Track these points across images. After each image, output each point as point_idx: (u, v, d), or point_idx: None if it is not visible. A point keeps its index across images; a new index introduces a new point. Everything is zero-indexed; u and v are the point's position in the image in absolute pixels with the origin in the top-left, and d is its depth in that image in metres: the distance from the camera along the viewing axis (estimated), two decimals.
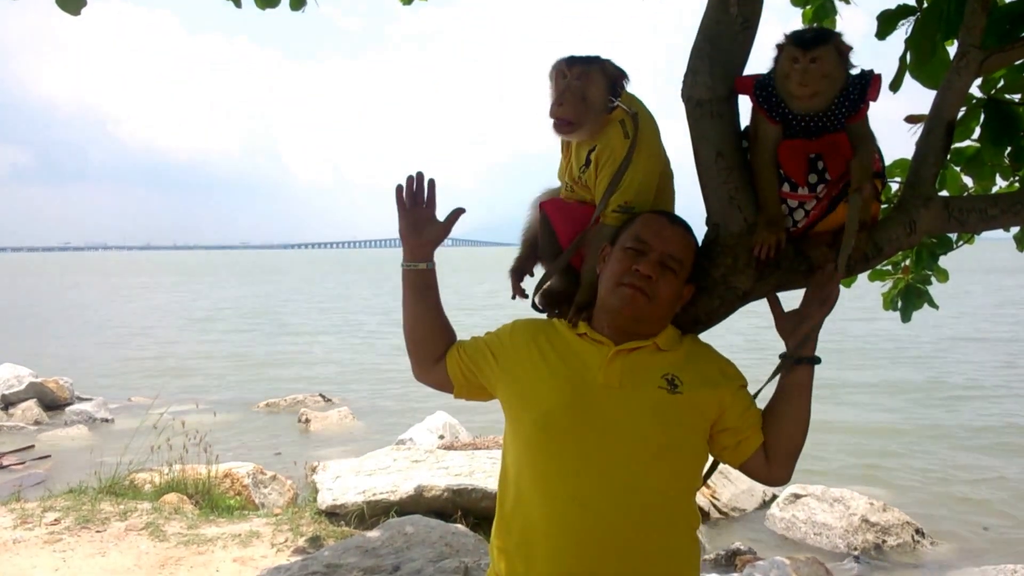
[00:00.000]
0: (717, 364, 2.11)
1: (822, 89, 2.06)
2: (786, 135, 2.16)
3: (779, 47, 2.09)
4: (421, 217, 2.21)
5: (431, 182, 2.23)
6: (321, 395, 14.15)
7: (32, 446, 10.71)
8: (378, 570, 5.02)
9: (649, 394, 1.98)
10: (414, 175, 2.22)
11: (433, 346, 2.25)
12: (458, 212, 2.26)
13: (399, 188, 2.21)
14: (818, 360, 2.05)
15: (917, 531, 7.39)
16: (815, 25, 2.09)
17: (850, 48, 2.04)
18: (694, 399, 1.99)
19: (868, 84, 2.08)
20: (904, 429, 11.85)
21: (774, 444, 2.05)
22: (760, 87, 2.15)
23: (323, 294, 46.03)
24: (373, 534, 5.65)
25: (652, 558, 1.92)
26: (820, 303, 2.09)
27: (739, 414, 2.04)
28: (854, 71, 2.09)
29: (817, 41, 2.04)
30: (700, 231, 2.37)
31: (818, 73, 2.04)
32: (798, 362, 2.03)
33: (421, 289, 2.22)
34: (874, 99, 2.09)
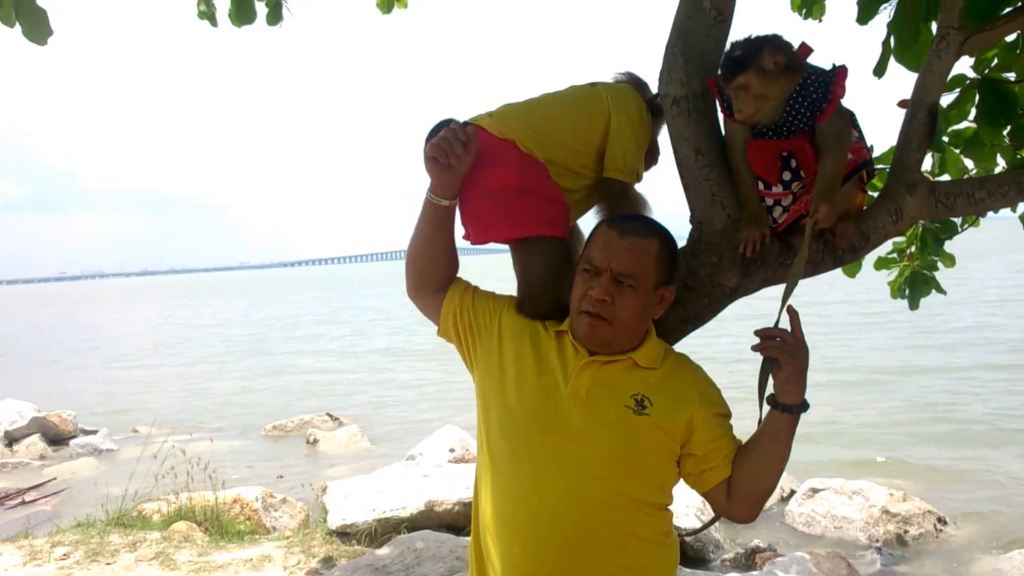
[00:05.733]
0: (697, 387, 2.01)
1: (757, 108, 1.99)
2: (755, 134, 2.11)
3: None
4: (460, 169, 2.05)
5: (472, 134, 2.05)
6: (329, 414, 13.98)
7: (55, 478, 10.42)
8: None
9: (613, 410, 1.92)
10: (456, 130, 2.01)
11: (438, 275, 2.20)
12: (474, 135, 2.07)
13: (437, 147, 2.00)
14: (804, 408, 1.90)
15: (939, 519, 7.28)
16: (750, 36, 2.01)
17: (783, 57, 1.94)
18: (661, 422, 1.92)
19: (832, 81, 2.01)
20: (920, 413, 11.75)
21: (738, 483, 1.95)
22: (722, 87, 2.10)
23: (324, 312, 45.84)
24: (383, 552, 5.61)
25: (601, 567, 1.87)
26: (786, 353, 1.89)
27: (707, 441, 1.95)
28: (824, 65, 2.03)
29: (736, 70, 1.96)
30: (686, 229, 2.33)
31: (747, 97, 1.97)
32: (779, 408, 1.90)
33: (440, 220, 2.12)
34: (840, 96, 2.02)
